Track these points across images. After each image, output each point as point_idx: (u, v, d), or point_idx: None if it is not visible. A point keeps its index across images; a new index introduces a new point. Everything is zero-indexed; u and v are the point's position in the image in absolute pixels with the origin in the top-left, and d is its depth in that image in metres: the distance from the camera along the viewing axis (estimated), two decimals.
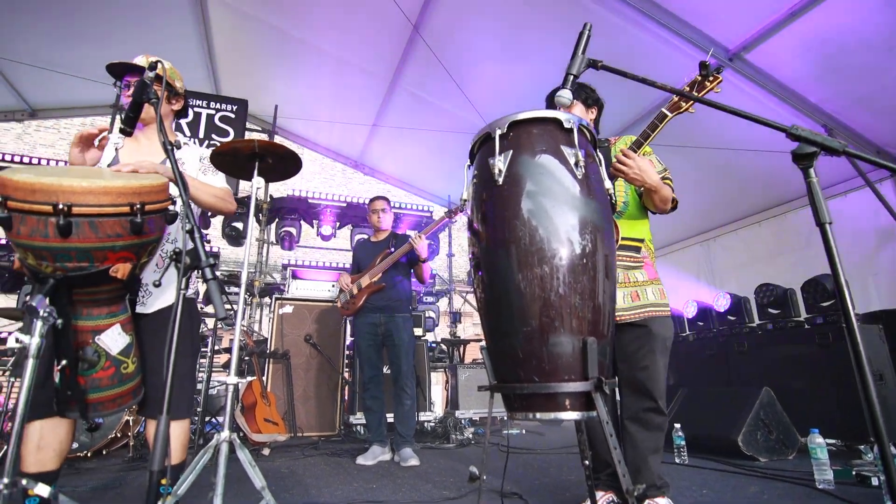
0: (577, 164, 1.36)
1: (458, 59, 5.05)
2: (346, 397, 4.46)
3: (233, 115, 5.83)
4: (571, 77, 1.68)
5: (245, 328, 4.69)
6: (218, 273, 1.33)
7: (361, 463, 3.06)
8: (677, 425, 3.15)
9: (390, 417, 3.41)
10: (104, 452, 3.46)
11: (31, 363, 1.18)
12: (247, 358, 3.95)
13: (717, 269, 5.79)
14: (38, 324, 1.18)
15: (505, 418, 4.90)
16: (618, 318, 1.87)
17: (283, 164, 1.69)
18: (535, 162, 1.36)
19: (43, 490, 1.20)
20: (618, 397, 1.98)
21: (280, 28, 5.59)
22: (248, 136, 5.98)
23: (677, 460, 3.06)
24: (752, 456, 2.99)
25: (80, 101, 6.73)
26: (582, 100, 2.03)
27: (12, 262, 4.47)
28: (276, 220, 5.86)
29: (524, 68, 4.91)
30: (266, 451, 3.45)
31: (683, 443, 3.10)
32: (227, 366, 4.30)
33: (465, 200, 1.52)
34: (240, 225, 5.35)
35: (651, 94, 4.39)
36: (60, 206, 1.15)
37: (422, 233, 3.23)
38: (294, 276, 4.62)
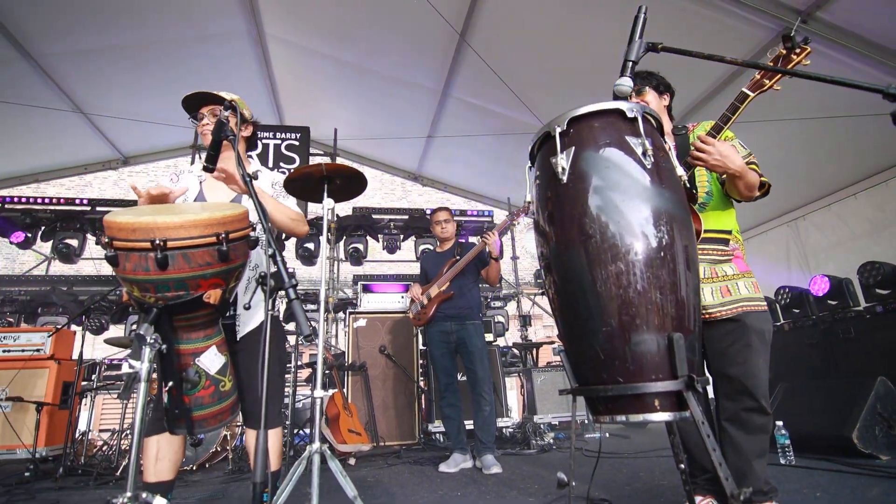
0: (644, 153, 1.31)
1: (507, 61, 5.02)
2: (424, 406, 4.53)
3: (297, 143, 6.16)
4: (630, 63, 1.61)
5: (324, 343, 4.91)
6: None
7: (444, 470, 3.09)
8: (779, 423, 2.90)
9: (468, 424, 3.41)
10: (207, 466, 3.73)
11: (143, 386, 1.30)
12: (327, 372, 4.12)
13: (809, 250, 5.29)
14: (147, 350, 1.31)
15: (586, 422, 4.74)
16: (707, 316, 1.75)
17: (350, 183, 1.76)
18: (600, 156, 1.31)
19: (161, 502, 1.31)
20: (711, 397, 1.86)
21: (333, 56, 5.85)
22: (312, 160, 6.29)
23: (783, 461, 2.81)
24: (870, 454, 2.68)
25: (164, 146, 7.40)
26: (653, 87, 1.93)
27: (120, 296, 4.99)
28: (344, 237, 6.09)
29: (578, 62, 4.79)
30: (352, 461, 3.57)
31: (788, 442, 2.84)
32: (309, 380, 4.53)
33: (530, 202, 1.50)
34: (311, 245, 5.62)
35: (710, 73, 4.11)
36: (157, 242, 1.27)
37: (493, 230, 3.22)
38: (365, 290, 4.77)
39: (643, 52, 1.43)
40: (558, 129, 1.38)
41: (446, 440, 4.27)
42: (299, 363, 4.10)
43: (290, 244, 5.83)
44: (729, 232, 1.83)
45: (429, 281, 3.51)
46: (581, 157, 1.33)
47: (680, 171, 1.37)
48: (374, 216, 6.11)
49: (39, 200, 5.57)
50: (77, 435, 3.94)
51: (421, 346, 4.69)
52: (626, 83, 1.61)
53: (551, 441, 3.97)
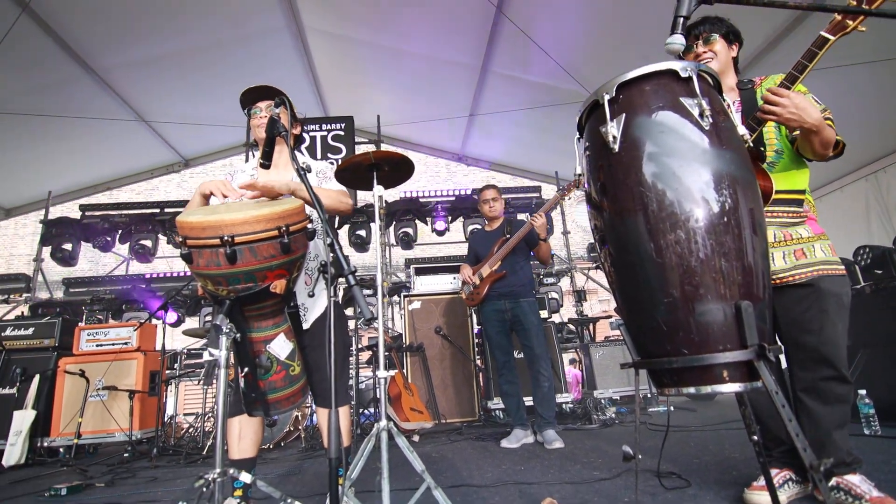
0: (702, 114, 1.24)
1: (548, 29, 4.86)
2: (482, 383, 4.59)
3: (342, 133, 6.28)
4: (681, 20, 1.52)
5: (384, 327, 5.06)
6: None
7: (506, 446, 3.14)
8: (862, 392, 2.72)
9: (527, 401, 3.43)
10: (282, 444, 3.99)
11: (222, 372, 1.40)
12: (386, 353, 4.25)
13: (892, 204, 4.84)
14: (223, 339, 1.40)
15: (649, 396, 4.65)
16: (779, 280, 1.65)
17: (398, 169, 1.79)
18: (653, 121, 1.26)
19: (246, 477, 1.43)
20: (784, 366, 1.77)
21: (370, 42, 5.88)
22: (357, 149, 6.41)
23: (867, 431, 2.64)
24: None
25: (220, 146, 7.78)
26: (723, 34, 1.75)
27: (195, 290, 5.36)
28: (394, 222, 6.19)
29: (623, 24, 4.56)
30: (416, 438, 3.70)
31: (873, 411, 2.66)
32: (370, 362, 4.69)
33: (580, 175, 1.46)
34: (363, 232, 5.76)
35: (767, 22, 3.77)
36: (226, 238, 1.35)
37: (539, 211, 3.18)
38: (418, 273, 4.86)
39: (695, 6, 1.35)
40: (606, 97, 1.33)
41: (506, 416, 4.31)
42: (359, 346, 4.26)
43: (343, 232, 6.00)
44: (801, 192, 1.70)
45: (479, 260, 3.52)
46: (633, 124, 1.28)
47: (742, 130, 1.29)
48: (421, 199, 6.16)
49: (114, 206, 6.01)
50: (165, 419, 4.30)
51: (476, 326, 4.73)
52: (678, 41, 1.52)
53: (613, 416, 3.93)
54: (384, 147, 7.04)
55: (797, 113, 1.47)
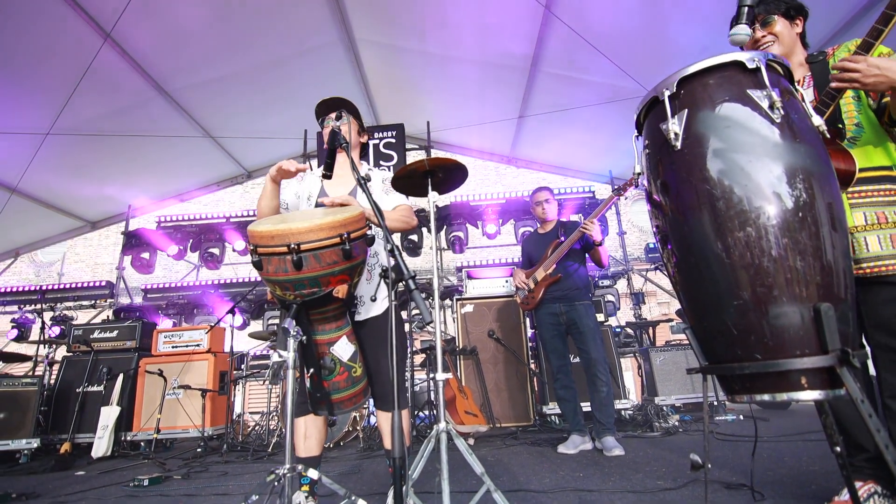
0: (772, 106, 1.18)
1: (599, 25, 4.77)
2: (536, 388, 4.53)
3: (393, 140, 6.42)
4: (746, 9, 1.46)
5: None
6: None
7: (563, 452, 3.08)
8: None
9: (584, 406, 3.36)
10: (341, 444, 4.11)
11: (290, 373, 1.47)
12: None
13: None
14: (291, 341, 1.48)
15: (716, 403, 4.42)
16: (871, 270, 1.49)
17: (452, 175, 1.82)
18: (718, 116, 1.21)
19: (313, 473, 1.49)
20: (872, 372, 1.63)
21: (419, 50, 5.98)
22: (408, 155, 6.53)
23: None
24: None
25: (279, 157, 8.09)
26: (782, 12, 1.66)
27: (259, 295, 5.66)
28: (445, 226, 6.25)
29: (677, 15, 4.39)
30: (471, 441, 3.71)
31: None
32: (423, 364, 4.75)
33: (639, 174, 1.43)
34: (415, 237, 5.85)
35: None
36: (292, 246, 1.42)
37: (592, 216, 3.11)
38: (469, 277, 4.88)
39: None
40: (667, 93, 1.29)
41: (562, 422, 4.24)
42: (413, 349, 4.32)
43: (395, 237, 6.12)
44: (890, 168, 1.54)
45: (532, 264, 3.49)
46: (696, 120, 1.23)
47: (817, 120, 1.22)
48: (471, 203, 6.18)
49: (185, 217, 6.45)
50: (234, 416, 4.54)
51: (529, 329, 4.69)
52: (743, 31, 1.46)
53: (676, 423, 3.76)
54: (434, 152, 7.14)
55: (880, 73, 1.33)
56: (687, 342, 4.91)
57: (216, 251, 6.16)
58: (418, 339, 5.90)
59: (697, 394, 4.38)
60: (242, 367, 4.91)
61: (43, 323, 5.26)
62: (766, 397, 1.16)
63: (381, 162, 6.50)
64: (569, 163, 7.78)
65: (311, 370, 1.59)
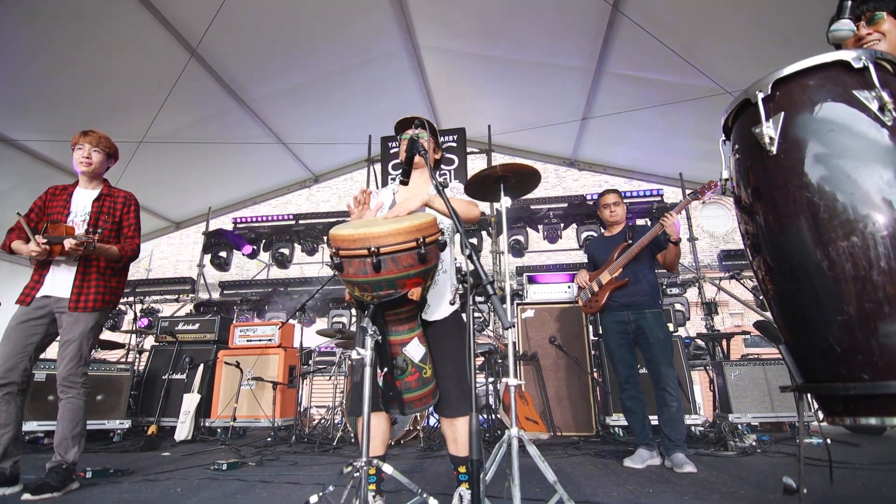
0: (882, 108, 1.10)
1: (669, 23, 4.58)
2: (599, 397, 4.41)
3: (455, 144, 6.47)
4: (848, 4, 1.36)
5: (494, 334, 5.11)
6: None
7: (629, 465, 2.97)
8: None
9: (653, 419, 3.22)
10: (402, 442, 4.19)
11: (368, 370, 1.53)
12: (499, 361, 4.29)
13: None
14: (369, 340, 1.54)
15: (795, 424, 4.10)
16: None
17: (524, 180, 1.82)
18: (820, 119, 1.14)
19: (388, 468, 1.54)
20: None
21: (480, 54, 6.01)
22: (469, 159, 6.57)
23: None
24: None
25: (344, 162, 8.48)
26: (891, 11, 1.50)
27: (330, 294, 5.91)
28: (504, 229, 6.22)
29: (753, 8, 4.14)
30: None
31: None
32: (482, 368, 4.76)
33: (727, 179, 1.37)
34: (474, 240, 5.87)
35: None
36: (372, 249, 1.48)
37: (673, 210, 2.98)
38: (530, 281, 4.83)
39: None
40: (761, 95, 1.23)
41: (627, 434, 4.09)
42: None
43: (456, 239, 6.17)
44: None
45: (597, 268, 3.40)
46: (794, 124, 1.17)
47: None
48: (532, 207, 6.12)
49: (258, 219, 6.84)
50: (300, 409, 4.76)
51: (592, 336, 4.57)
52: (846, 27, 1.36)
53: (753, 443, 3.52)
54: (494, 156, 7.14)
55: None
56: (766, 357, 4.59)
57: (286, 251, 6.49)
58: (476, 343, 5.91)
59: (777, 413, 4.08)
60: (310, 362, 5.14)
61: (135, 314, 5.76)
62: (872, 421, 1.08)
63: (443, 166, 6.58)
64: (635, 165, 7.53)
65: (385, 369, 1.64)
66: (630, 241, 3.20)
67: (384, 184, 6.61)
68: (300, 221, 6.64)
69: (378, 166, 6.74)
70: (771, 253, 1.22)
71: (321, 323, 6.34)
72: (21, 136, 5.50)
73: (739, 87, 4.63)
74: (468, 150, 6.75)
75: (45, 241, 2.47)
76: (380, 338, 1.56)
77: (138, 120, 5.56)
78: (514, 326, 1.30)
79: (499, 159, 8.07)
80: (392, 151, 6.56)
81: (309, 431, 4.49)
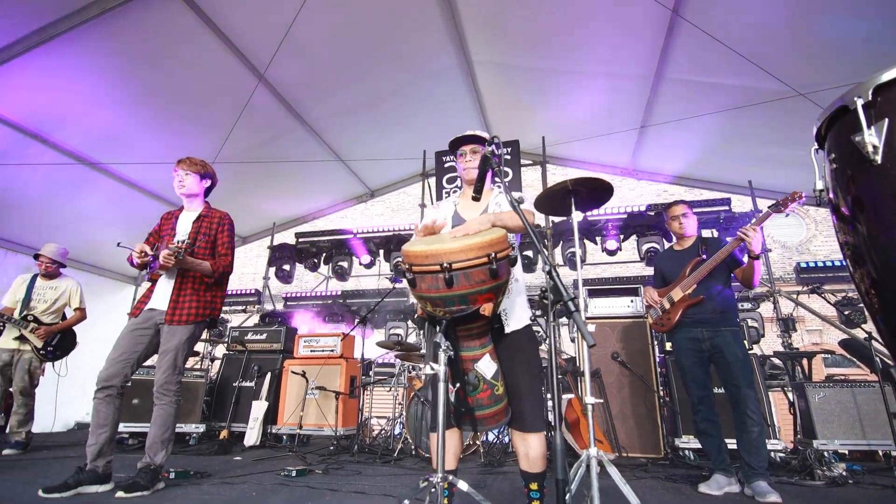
0: None
1: (732, 24, 4.40)
2: (665, 417, 4.20)
3: (509, 157, 6.47)
4: None
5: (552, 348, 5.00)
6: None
7: (706, 492, 2.80)
8: None
9: (729, 443, 3.03)
10: (462, 457, 4.17)
11: (441, 386, 1.55)
12: (560, 377, 4.19)
13: None
14: (442, 355, 1.56)
15: (893, 453, 3.73)
16: None
17: (596, 193, 1.79)
18: None
19: (463, 485, 1.54)
20: None
21: (533, 67, 6.00)
22: (522, 171, 6.55)
23: None
24: None
25: (399, 177, 8.70)
26: None
27: (388, 306, 6.04)
28: (560, 242, 6.13)
29: (831, 2, 3.89)
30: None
31: None
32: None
33: (822, 190, 1.29)
34: (529, 253, 5.81)
35: None
36: (445, 265, 1.51)
37: (753, 223, 2.82)
38: (591, 295, 4.70)
39: None
40: (860, 101, 1.16)
41: (698, 457, 3.87)
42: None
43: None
44: None
45: (666, 282, 3.27)
46: None
47: None
48: (589, 218, 5.99)
49: (318, 232, 7.11)
50: (361, 419, 4.85)
51: (658, 354, 4.37)
52: None
53: (843, 472, 3.23)
54: (549, 167, 7.07)
55: None
56: (853, 378, 4.21)
57: (345, 264, 6.70)
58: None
59: (870, 440, 3.72)
60: (371, 373, 5.24)
61: None
62: None
63: (496, 179, 6.57)
64: (698, 173, 7.23)
65: (458, 384, 1.65)
66: (703, 256, 3.06)
67: (438, 197, 6.69)
68: (358, 235, 6.84)
69: (432, 180, 6.84)
70: (877, 265, 1.13)
71: (378, 334, 6.47)
72: (107, 159, 6.02)
73: (812, 89, 4.37)
74: (521, 161, 6.73)
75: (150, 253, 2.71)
76: (452, 353, 1.58)
77: (209, 141, 5.96)
78: (595, 345, 1.25)
79: (553, 170, 7.98)
80: (446, 166, 6.65)
81: (370, 442, 4.56)
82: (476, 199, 1.71)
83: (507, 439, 4.26)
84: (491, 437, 4.22)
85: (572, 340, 5.27)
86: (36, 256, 4.42)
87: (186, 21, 4.51)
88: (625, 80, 5.76)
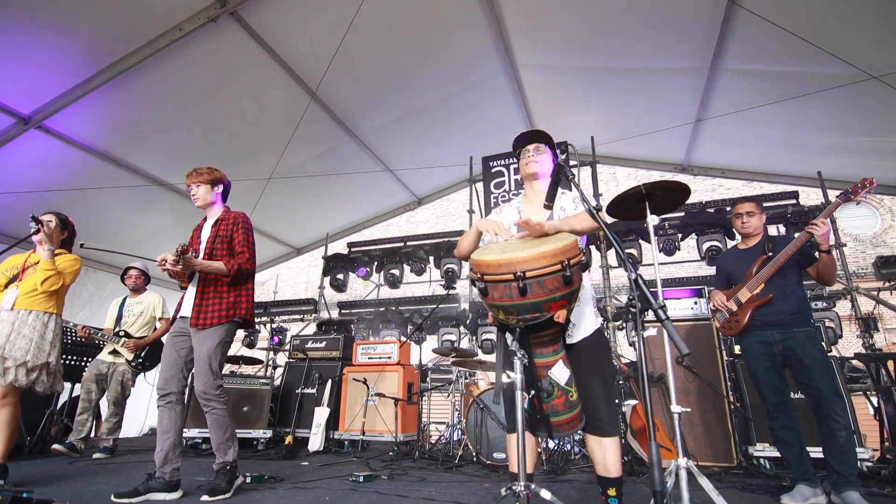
0: None
1: (795, 8, 4.19)
2: (736, 424, 4.00)
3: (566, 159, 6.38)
4: None
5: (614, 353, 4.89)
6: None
7: (788, 503, 2.66)
8: None
9: (813, 452, 2.85)
10: None
11: (518, 394, 1.56)
12: (622, 382, 4.09)
13: None
14: (518, 363, 1.57)
15: None
16: None
17: (672, 197, 1.76)
18: None
19: (546, 494, 1.54)
20: None
21: (579, 66, 5.92)
22: (574, 171, 6.44)
23: None
24: None
25: (445, 184, 8.78)
26: None
27: (439, 312, 6.11)
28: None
29: None
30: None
31: None
32: None
33: None
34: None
35: None
36: (518, 273, 1.52)
37: (821, 216, 2.67)
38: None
39: None
40: None
41: (775, 467, 3.67)
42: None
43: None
44: None
45: (731, 283, 3.13)
46: None
47: None
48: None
49: (370, 241, 7.28)
50: (421, 425, 4.92)
51: (726, 357, 4.18)
52: None
53: None
54: (599, 167, 6.94)
55: None
56: None
57: (396, 272, 6.82)
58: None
59: None
60: (427, 379, 5.30)
61: (271, 332, 6.38)
62: None
63: (571, 186, 6.50)
64: (759, 166, 6.89)
65: (532, 392, 1.66)
66: (770, 254, 2.92)
67: (486, 202, 6.71)
68: (408, 243, 6.95)
69: (480, 185, 6.86)
70: None
71: (431, 341, 6.53)
72: (175, 179, 6.42)
73: (887, 72, 4.10)
74: (570, 163, 6.63)
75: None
76: (527, 361, 1.59)
77: (266, 158, 6.25)
78: (691, 354, 1.22)
79: (603, 170, 7.80)
80: (493, 171, 6.65)
81: (430, 448, 4.61)
82: (548, 206, 1.72)
83: (567, 447, 4.20)
84: (551, 443, 4.17)
85: (631, 345, 5.13)
86: (124, 273, 4.80)
87: (246, 47, 4.77)
88: (677, 75, 5.58)
